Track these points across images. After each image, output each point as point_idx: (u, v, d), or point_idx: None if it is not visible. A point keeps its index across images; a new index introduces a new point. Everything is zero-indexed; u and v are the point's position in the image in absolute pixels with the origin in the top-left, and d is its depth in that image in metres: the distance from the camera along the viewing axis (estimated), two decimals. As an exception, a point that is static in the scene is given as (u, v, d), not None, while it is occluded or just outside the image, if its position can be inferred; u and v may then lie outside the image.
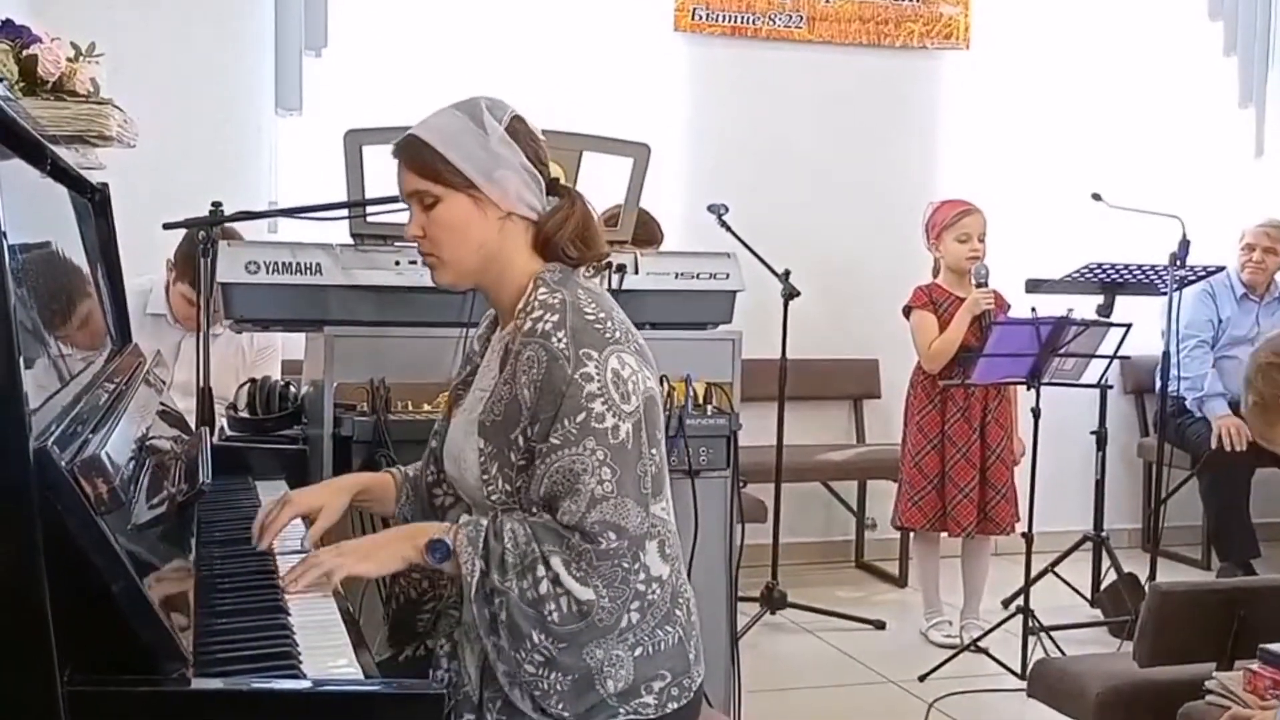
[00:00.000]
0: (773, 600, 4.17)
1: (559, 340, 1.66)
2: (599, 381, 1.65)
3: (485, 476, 1.73)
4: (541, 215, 1.79)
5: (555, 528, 1.64)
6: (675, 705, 1.72)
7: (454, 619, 1.75)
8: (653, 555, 1.70)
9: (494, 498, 1.73)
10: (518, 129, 1.76)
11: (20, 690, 1.10)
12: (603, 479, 1.63)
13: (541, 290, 1.74)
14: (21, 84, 1.95)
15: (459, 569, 1.66)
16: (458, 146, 1.73)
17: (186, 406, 2.69)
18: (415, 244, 1.81)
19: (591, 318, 1.71)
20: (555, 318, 1.69)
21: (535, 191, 1.78)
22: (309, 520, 1.89)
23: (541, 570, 1.61)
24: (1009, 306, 4.08)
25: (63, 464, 1.13)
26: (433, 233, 1.76)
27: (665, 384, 2.61)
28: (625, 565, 1.64)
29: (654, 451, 1.71)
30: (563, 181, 1.87)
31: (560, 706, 1.65)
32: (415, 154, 1.76)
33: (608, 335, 1.70)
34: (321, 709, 1.22)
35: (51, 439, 1.16)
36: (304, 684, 1.26)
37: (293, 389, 2.75)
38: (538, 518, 1.67)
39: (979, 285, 3.96)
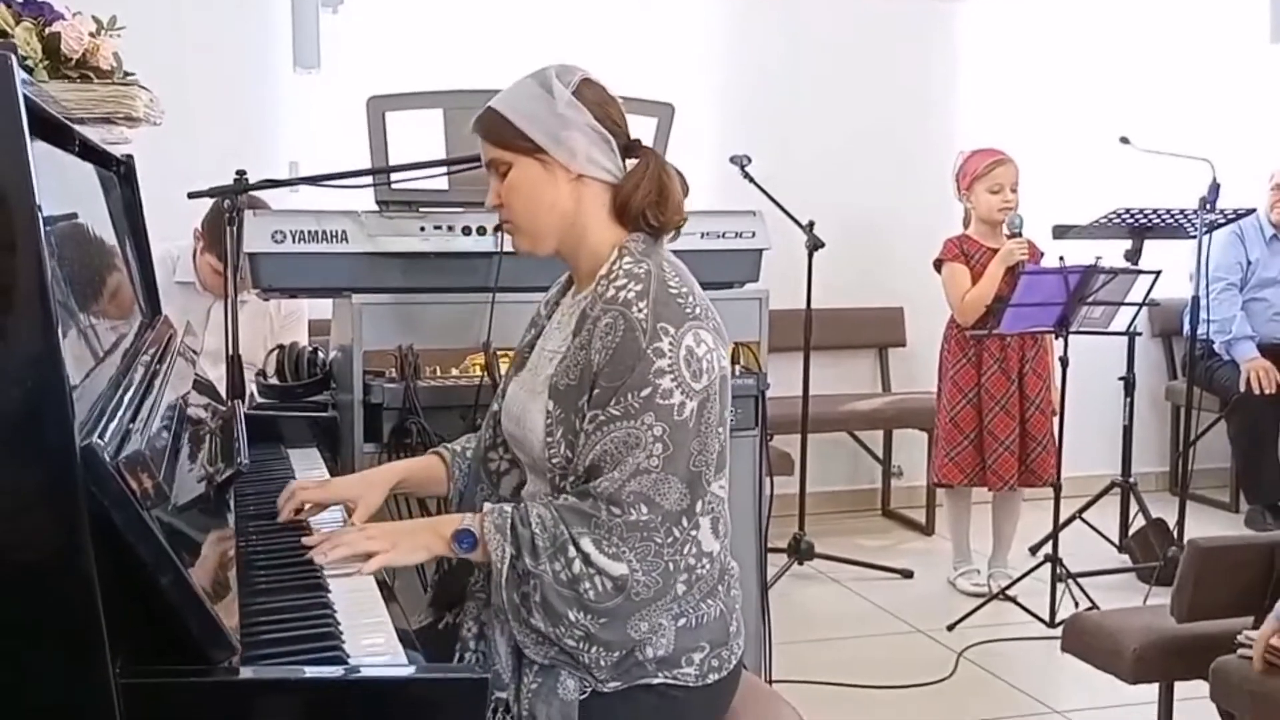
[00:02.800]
0: (800, 551, 4.19)
1: (639, 310, 1.66)
2: (670, 358, 1.64)
3: (549, 439, 1.72)
4: (618, 179, 1.78)
5: (581, 508, 1.63)
6: (716, 676, 1.74)
7: (481, 601, 1.74)
8: (705, 531, 1.69)
9: (554, 461, 1.72)
10: (585, 91, 1.77)
11: (76, 683, 1.11)
12: (653, 454, 1.62)
13: (627, 259, 1.74)
14: (46, 62, 1.94)
15: (488, 555, 1.66)
16: (525, 112, 1.75)
17: (217, 374, 2.70)
18: (495, 212, 1.83)
19: (675, 291, 1.70)
20: (639, 287, 1.68)
21: (607, 153, 1.77)
22: (349, 509, 1.89)
23: (573, 551, 1.61)
24: (1042, 255, 4.04)
25: (107, 460, 1.13)
26: (508, 199, 1.79)
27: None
28: (659, 539, 1.63)
29: (720, 430, 1.70)
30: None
31: (602, 676, 1.67)
32: (488, 124, 1.79)
33: (688, 311, 1.69)
34: (368, 694, 1.24)
35: (95, 433, 1.17)
36: (350, 671, 1.27)
37: (320, 354, 2.75)
38: (562, 500, 1.67)
39: (1013, 235, 3.92)
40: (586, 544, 1.61)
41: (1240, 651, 2.29)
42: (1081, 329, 3.83)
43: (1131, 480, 4.29)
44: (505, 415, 1.87)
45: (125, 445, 1.22)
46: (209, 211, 3.35)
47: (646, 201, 1.77)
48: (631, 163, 1.80)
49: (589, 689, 1.68)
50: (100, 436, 1.17)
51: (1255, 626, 2.33)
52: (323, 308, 3.60)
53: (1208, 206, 4.07)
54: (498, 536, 1.64)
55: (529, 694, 1.68)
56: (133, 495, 1.12)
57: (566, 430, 1.70)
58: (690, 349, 1.66)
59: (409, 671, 1.29)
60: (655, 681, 1.70)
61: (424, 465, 2.00)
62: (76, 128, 1.75)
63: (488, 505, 1.71)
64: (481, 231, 2.51)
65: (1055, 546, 3.83)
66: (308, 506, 1.87)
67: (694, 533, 1.67)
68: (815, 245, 4.02)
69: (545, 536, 1.63)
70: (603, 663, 1.66)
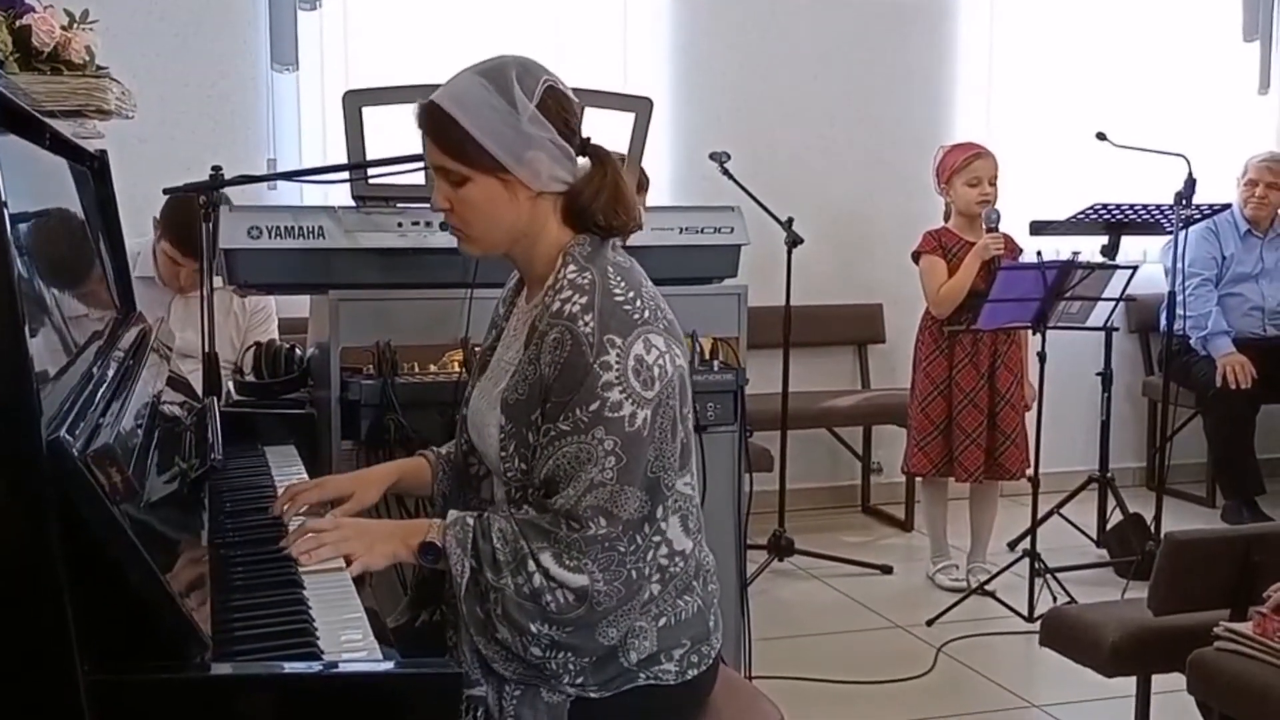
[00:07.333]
0: (780, 547, 4.19)
1: (585, 324, 1.62)
2: (618, 370, 1.61)
3: (503, 454, 1.71)
4: (573, 184, 1.72)
5: (540, 523, 1.62)
6: (695, 672, 1.74)
7: (454, 607, 1.72)
8: (675, 530, 1.69)
9: (509, 474, 1.71)
10: (549, 103, 1.68)
11: (42, 682, 1.10)
12: (605, 467, 1.60)
13: (570, 268, 1.69)
14: (16, 55, 1.92)
15: (450, 569, 1.64)
16: (486, 126, 1.65)
17: (184, 368, 2.68)
18: (441, 213, 1.75)
19: (620, 298, 1.66)
20: (584, 299, 1.65)
21: (566, 165, 1.71)
22: (335, 505, 1.88)
23: (532, 565, 1.60)
24: (1020, 251, 4.05)
25: (76, 453, 1.12)
26: (460, 210, 1.71)
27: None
28: (621, 549, 1.62)
29: (682, 427, 1.69)
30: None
31: (580, 681, 1.66)
32: (441, 129, 1.68)
33: (636, 317, 1.65)
34: (342, 690, 1.23)
35: (64, 427, 1.15)
36: (326, 667, 1.26)
37: (298, 351, 2.74)
38: (524, 514, 1.66)
39: (990, 230, 3.93)
40: (546, 559, 1.60)
41: (1218, 644, 2.30)
42: (1059, 324, 3.84)
43: (1109, 475, 4.30)
44: (469, 424, 1.86)
45: (95, 440, 1.20)
46: (166, 202, 3.29)
47: (602, 208, 1.71)
48: (584, 161, 1.74)
49: (573, 696, 1.67)
50: (70, 432, 1.16)
51: (1232, 619, 2.34)
52: (289, 304, 3.58)
53: (1183, 202, 4.09)
54: (458, 551, 1.63)
55: (513, 699, 1.67)
56: (102, 490, 1.11)
57: (519, 444, 1.68)
58: (640, 357, 1.63)
59: (384, 667, 1.28)
60: (638, 683, 1.69)
61: (414, 466, 1.98)
62: (49, 122, 1.74)
63: (451, 514, 1.69)
64: (459, 227, 2.50)
65: (1033, 542, 3.84)
66: (304, 508, 1.85)
67: (657, 538, 1.66)
68: (794, 241, 4.03)
69: (506, 550, 1.61)
70: (571, 667, 1.64)
